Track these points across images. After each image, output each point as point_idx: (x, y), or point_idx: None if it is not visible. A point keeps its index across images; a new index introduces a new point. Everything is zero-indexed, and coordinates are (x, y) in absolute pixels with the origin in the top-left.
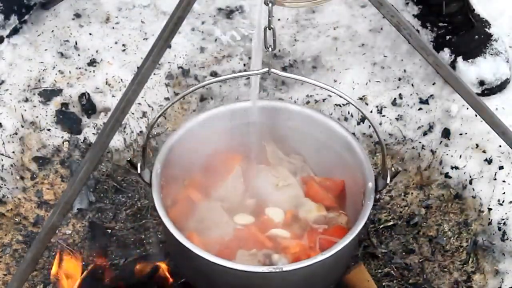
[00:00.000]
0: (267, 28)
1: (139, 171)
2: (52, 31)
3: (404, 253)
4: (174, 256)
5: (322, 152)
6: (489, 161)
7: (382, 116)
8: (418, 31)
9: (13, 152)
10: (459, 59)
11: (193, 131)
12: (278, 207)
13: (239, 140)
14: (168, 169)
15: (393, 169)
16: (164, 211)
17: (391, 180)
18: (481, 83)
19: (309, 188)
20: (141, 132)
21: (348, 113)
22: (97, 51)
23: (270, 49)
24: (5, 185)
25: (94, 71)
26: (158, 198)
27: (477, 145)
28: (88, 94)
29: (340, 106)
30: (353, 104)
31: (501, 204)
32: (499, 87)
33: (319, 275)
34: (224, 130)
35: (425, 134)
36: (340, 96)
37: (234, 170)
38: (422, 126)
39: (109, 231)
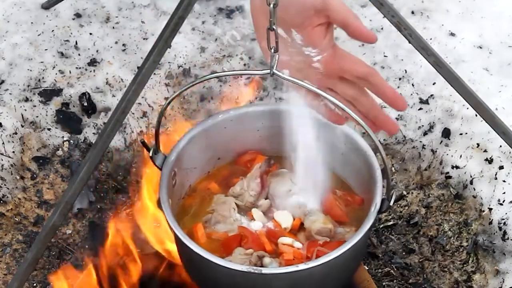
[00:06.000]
0: (269, 29)
1: (151, 154)
2: (52, 30)
3: (404, 253)
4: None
5: (346, 165)
6: (489, 161)
7: None
8: None
9: (13, 152)
10: None
11: (220, 126)
12: (287, 213)
13: (267, 141)
14: (186, 158)
15: (396, 192)
16: (166, 197)
17: (394, 203)
18: None
19: (325, 200)
20: (141, 132)
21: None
22: (97, 51)
23: (272, 50)
24: (5, 185)
25: (94, 71)
26: (164, 183)
27: (478, 145)
28: (89, 94)
29: None
30: (353, 116)
31: (501, 204)
32: None
33: (306, 286)
34: (254, 129)
35: (425, 134)
36: (341, 107)
37: (252, 170)
38: (423, 126)
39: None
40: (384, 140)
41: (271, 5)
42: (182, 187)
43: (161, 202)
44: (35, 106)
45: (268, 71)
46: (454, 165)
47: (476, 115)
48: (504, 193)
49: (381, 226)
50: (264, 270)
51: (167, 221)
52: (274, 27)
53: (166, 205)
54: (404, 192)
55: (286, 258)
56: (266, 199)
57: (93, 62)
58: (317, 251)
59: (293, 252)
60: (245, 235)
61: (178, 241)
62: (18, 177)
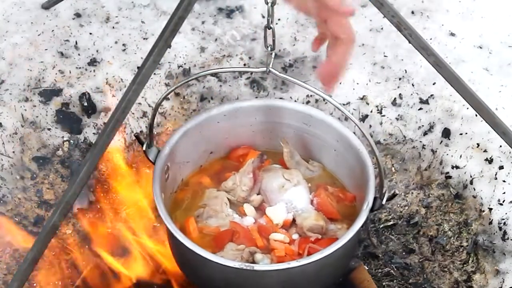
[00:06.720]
0: (267, 28)
1: (144, 148)
2: (52, 30)
3: (404, 253)
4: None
5: (339, 163)
6: (489, 161)
7: (382, 116)
8: None
9: (13, 152)
10: None
11: (214, 121)
12: (279, 209)
13: (260, 136)
14: (179, 152)
15: (388, 190)
16: (159, 191)
17: (386, 201)
18: None
19: (317, 196)
20: (141, 131)
21: (348, 112)
22: (97, 51)
23: (269, 48)
24: (5, 185)
25: (94, 70)
26: (157, 178)
27: (478, 145)
28: (89, 94)
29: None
30: (349, 116)
31: (501, 204)
32: None
33: (298, 282)
34: (247, 124)
35: (425, 134)
36: (337, 107)
37: (245, 165)
38: (423, 126)
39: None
40: (384, 140)
41: (269, 4)
42: (175, 181)
43: (154, 196)
44: (35, 106)
45: (264, 68)
46: (454, 165)
47: (476, 115)
48: (504, 193)
49: (381, 226)
50: (256, 267)
51: (160, 215)
52: (271, 25)
53: (159, 200)
54: (397, 191)
55: (278, 254)
56: (258, 194)
57: (93, 62)
58: (308, 248)
59: (285, 248)
60: (237, 231)
61: (171, 236)
62: (18, 177)
